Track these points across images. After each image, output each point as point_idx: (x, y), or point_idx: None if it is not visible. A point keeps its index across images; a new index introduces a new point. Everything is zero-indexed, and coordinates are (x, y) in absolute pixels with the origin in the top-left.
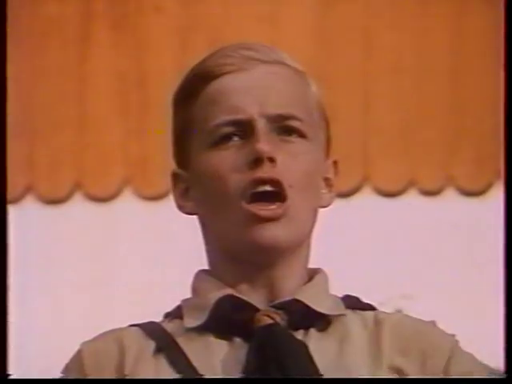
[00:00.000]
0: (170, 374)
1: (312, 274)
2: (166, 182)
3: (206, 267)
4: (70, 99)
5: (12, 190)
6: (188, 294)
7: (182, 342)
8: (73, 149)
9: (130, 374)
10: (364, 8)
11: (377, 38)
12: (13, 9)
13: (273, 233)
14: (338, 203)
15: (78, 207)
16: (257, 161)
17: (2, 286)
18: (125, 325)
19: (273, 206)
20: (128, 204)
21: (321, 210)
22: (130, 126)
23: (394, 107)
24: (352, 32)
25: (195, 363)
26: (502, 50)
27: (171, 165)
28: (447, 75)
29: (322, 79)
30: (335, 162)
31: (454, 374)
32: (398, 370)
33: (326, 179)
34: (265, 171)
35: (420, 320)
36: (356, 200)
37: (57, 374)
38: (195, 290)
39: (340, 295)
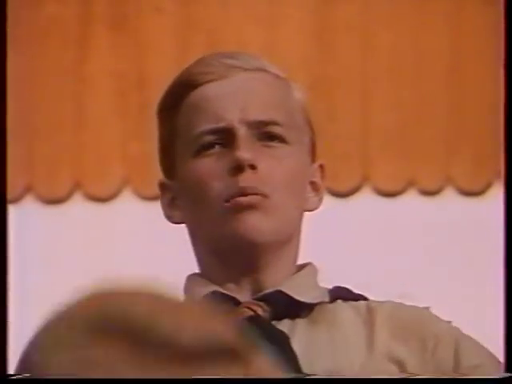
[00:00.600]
0: None
1: (300, 268)
2: None
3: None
4: (69, 100)
5: (11, 189)
6: None
7: None
8: (72, 149)
9: None
10: (362, 8)
11: (375, 38)
12: (12, 9)
13: (253, 222)
14: (338, 203)
15: (78, 207)
16: (237, 168)
17: (2, 286)
18: None
19: (255, 197)
20: (127, 204)
21: (320, 211)
22: (129, 127)
23: (393, 107)
24: (350, 32)
25: None
26: (502, 49)
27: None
28: (446, 75)
29: (321, 80)
30: (321, 166)
31: (466, 363)
32: (397, 361)
33: (313, 183)
34: (245, 180)
35: (414, 307)
36: (355, 200)
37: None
38: (186, 291)
39: (330, 287)
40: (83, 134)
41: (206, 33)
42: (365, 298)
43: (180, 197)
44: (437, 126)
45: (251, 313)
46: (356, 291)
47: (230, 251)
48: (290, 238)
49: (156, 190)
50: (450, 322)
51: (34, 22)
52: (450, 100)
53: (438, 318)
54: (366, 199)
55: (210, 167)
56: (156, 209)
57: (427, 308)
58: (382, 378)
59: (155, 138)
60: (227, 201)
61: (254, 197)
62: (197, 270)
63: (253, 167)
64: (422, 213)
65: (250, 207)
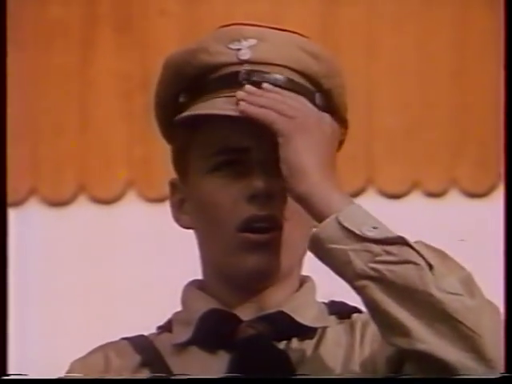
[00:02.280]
0: None
1: (301, 281)
2: None
3: None
4: (73, 102)
5: (16, 192)
6: None
7: (169, 356)
8: (76, 151)
9: None
10: (367, 11)
11: (380, 40)
12: (17, 12)
13: (262, 259)
14: None
15: (82, 210)
16: (253, 197)
17: (2, 286)
18: (125, 327)
19: (265, 235)
20: (132, 206)
21: None
22: (133, 129)
23: (398, 109)
24: (355, 34)
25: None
26: (502, 50)
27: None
28: (451, 77)
29: None
30: None
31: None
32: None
33: None
34: (261, 208)
35: None
36: (360, 202)
37: (57, 374)
38: (183, 303)
39: (325, 300)
40: (87, 136)
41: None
42: (359, 311)
43: (190, 202)
44: (441, 128)
45: (253, 332)
46: (350, 304)
47: (236, 280)
48: (296, 265)
49: (160, 193)
50: None
51: (39, 24)
52: (454, 102)
53: None
54: (370, 201)
55: (223, 188)
56: (160, 211)
57: None
58: (382, 378)
59: (159, 140)
60: (239, 230)
61: (267, 235)
62: (198, 271)
63: (268, 196)
64: (426, 214)
65: (261, 245)
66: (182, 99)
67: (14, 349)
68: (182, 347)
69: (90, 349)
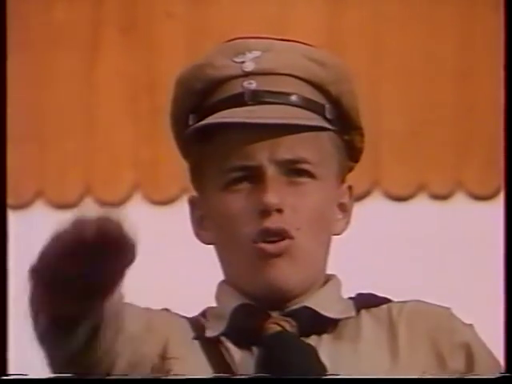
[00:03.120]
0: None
1: (325, 279)
2: (176, 187)
3: (215, 270)
4: (79, 104)
5: (22, 195)
6: (197, 299)
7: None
8: (83, 154)
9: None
10: (373, 13)
11: (386, 42)
12: (23, 15)
13: (281, 271)
14: None
15: (89, 212)
16: (264, 212)
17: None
18: None
19: (280, 243)
20: (138, 209)
21: None
22: (140, 131)
23: (404, 111)
24: (361, 36)
25: (215, 369)
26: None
27: (181, 170)
28: (457, 79)
29: None
30: (350, 187)
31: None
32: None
33: (341, 204)
34: (272, 222)
35: (435, 310)
36: (366, 204)
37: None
38: (217, 299)
39: (352, 295)
40: (94, 138)
41: (216, 36)
42: (388, 300)
43: (209, 218)
44: (447, 130)
45: (279, 328)
46: (379, 295)
47: (258, 295)
48: (317, 278)
49: (166, 195)
50: (471, 325)
51: (45, 26)
52: (460, 104)
53: (458, 322)
54: (376, 203)
55: (237, 203)
56: (166, 213)
57: (448, 309)
58: (382, 378)
59: (166, 142)
60: (254, 241)
61: (281, 243)
62: (206, 273)
63: (279, 211)
64: (432, 217)
65: (277, 255)
66: (191, 121)
67: (14, 349)
68: (214, 340)
69: None
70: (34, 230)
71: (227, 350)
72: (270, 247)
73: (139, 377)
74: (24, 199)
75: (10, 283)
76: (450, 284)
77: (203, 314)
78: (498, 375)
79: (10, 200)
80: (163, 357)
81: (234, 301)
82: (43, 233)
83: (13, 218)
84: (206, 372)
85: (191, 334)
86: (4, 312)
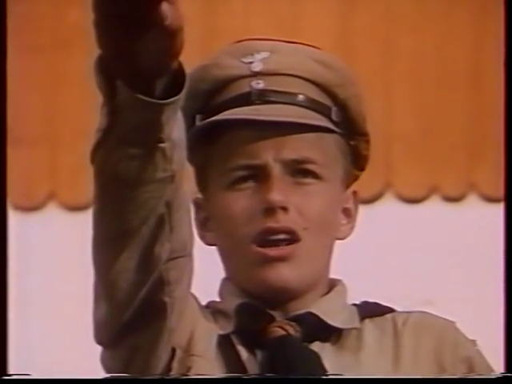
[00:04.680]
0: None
1: (331, 285)
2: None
3: (217, 270)
4: (92, 106)
5: (35, 197)
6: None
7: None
8: None
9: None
10: (385, 14)
11: (398, 43)
12: (35, 17)
13: (282, 273)
14: (360, 210)
15: None
16: (269, 210)
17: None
18: None
19: (283, 247)
20: None
21: None
22: None
23: (416, 113)
24: (373, 38)
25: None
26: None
27: (187, 172)
28: (469, 81)
29: None
30: (355, 192)
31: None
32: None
33: (346, 209)
34: (277, 220)
35: (440, 322)
36: (378, 206)
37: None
38: (220, 295)
39: (358, 302)
40: None
41: (227, 38)
42: (392, 310)
43: (213, 219)
44: (459, 132)
45: (283, 332)
46: (383, 304)
47: (259, 295)
48: (319, 279)
49: None
50: (474, 341)
51: (57, 28)
52: (472, 106)
53: (462, 335)
54: (388, 205)
55: (241, 202)
56: None
57: (453, 322)
58: (382, 378)
59: None
60: (256, 243)
61: (284, 248)
62: (208, 272)
63: (284, 209)
64: (445, 219)
65: (281, 260)
66: (197, 122)
67: (14, 349)
68: (226, 337)
69: (90, 349)
70: (46, 232)
71: (237, 348)
72: (272, 252)
73: (139, 377)
74: (37, 201)
75: (10, 283)
76: (463, 286)
77: (207, 307)
78: (498, 375)
79: (22, 202)
80: (186, 351)
81: (236, 299)
82: (56, 235)
83: (25, 220)
84: (221, 370)
85: (211, 329)
86: (4, 312)
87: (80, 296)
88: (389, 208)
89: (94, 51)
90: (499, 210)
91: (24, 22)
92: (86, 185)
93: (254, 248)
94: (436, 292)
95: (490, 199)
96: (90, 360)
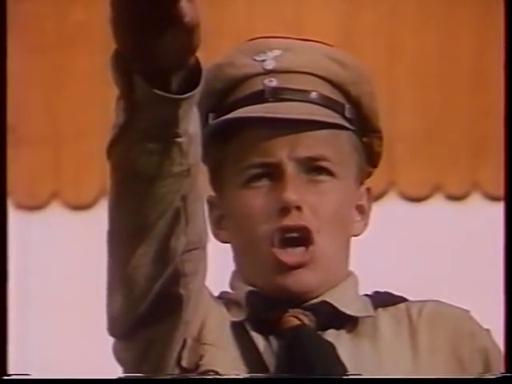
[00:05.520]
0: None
1: (344, 275)
2: None
3: (222, 269)
4: (95, 105)
5: (38, 196)
6: None
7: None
8: (99, 155)
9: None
10: (389, 12)
11: (401, 41)
12: (39, 17)
13: (301, 279)
14: None
15: (104, 213)
16: (284, 209)
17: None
18: None
19: (299, 251)
20: None
21: None
22: None
23: (419, 112)
24: (377, 36)
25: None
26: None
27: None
28: (473, 80)
29: None
30: (368, 189)
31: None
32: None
33: (359, 206)
34: (292, 219)
35: (454, 312)
36: (381, 205)
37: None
38: (231, 286)
39: (369, 292)
40: None
41: (232, 37)
42: (405, 299)
43: (227, 217)
44: (463, 131)
45: (298, 322)
46: (395, 293)
47: (275, 295)
48: (338, 279)
49: None
50: (488, 329)
51: (61, 28)
52: (476, 105)
53: (477, 324)
54: (392, 204)
55: (256, 201)
56: None
57: (468, 312)
58: (382, 378)
59: None
60: (273, 243)
61: (302, 254)
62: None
63: (298, 208)
64: (448, 218)
65: (299, 266)
66: (210, 121)
67: (14, 349)
68: (240, 325)
69: (90, 349)
70: (50, 231)
71: (252, 335)
72: (291, 261)
73: (139, 377)
74: (40, 200)
75: (12, 283)
76: (465, 284)
77: (219, 297)
78: (498, 375)
79: (26, 201)
80: (198, 340)
81: (247, 287)
82: (59, 234)
83: (29, 219)
84: (237, 359)
85: (224, 318)
86: (4, 312)
87: (82, 295)
88: (392, 206)
89: (98, 50)
90: (502, 208)
91: (27, 22)
92: (89, 184)
93: (271, 250)
94: (439, 289)
95: (493, 198)
96: (90, 360)
